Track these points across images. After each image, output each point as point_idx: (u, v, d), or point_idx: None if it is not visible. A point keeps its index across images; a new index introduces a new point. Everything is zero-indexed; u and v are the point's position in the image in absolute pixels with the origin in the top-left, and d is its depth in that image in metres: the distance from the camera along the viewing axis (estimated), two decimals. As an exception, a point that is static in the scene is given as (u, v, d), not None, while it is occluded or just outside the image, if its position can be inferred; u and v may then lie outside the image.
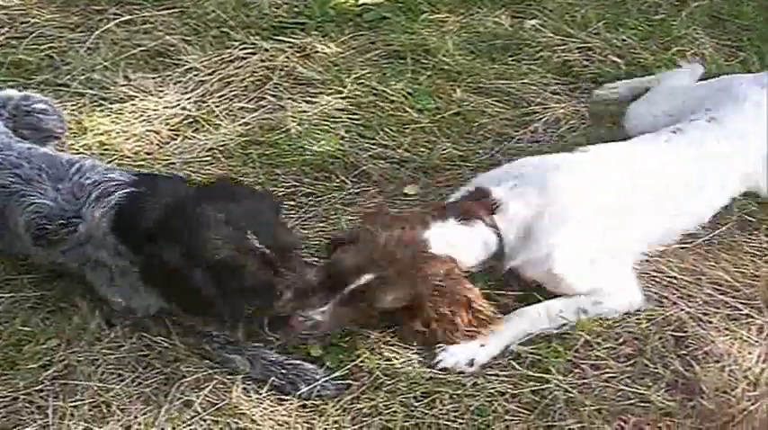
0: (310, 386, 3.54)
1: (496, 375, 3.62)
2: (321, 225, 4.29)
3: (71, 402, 3.51)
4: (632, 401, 3.53)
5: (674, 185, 4.02)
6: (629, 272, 3.93)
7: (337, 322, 3.64)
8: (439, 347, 3.68)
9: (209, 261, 3.34)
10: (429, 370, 3.64)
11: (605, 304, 3.79)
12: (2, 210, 3.77)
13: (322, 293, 3.58)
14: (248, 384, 3.60)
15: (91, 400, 3.53)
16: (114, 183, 3.63)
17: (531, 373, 3.61)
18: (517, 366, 3.64)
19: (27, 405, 3.51)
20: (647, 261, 4.08)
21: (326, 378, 3.58)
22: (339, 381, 3.59)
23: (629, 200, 3.89)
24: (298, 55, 5.36)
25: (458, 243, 3.71)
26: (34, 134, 4.28)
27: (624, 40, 5.52)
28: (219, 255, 3.34)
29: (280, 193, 4.41)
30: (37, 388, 3.56)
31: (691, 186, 4.07)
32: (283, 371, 3.59)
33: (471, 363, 3.63)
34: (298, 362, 3.63)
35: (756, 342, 3.75)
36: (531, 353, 3.69)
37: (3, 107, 4.31)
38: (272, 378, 3.58)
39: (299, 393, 3.55)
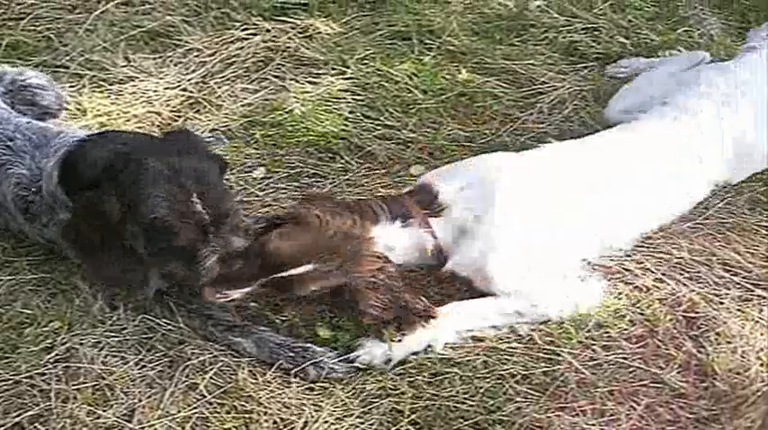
0: (319, 368, 3.50)
1: (507, 357, 3.57)
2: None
3: (74, 385, 3.47)
4: (644, 382, 3.49)
5: (624, 182, 3.91)
6: (570, 276, 3.82)
7: (250, 298, 3.61)
8: (357, 342, 3.60)
9: (145, 217, 3.24)
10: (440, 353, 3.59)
11: (539, 309, 3.70)
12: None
13: (247, 269, 3.43)
14: (254, 366, 3.55)
15: (94, 383, 3.48)
16: (74, 139, 3.56)
17: (542, 355, 3.57)
18: (528, 347, 3.60)
19: (29, 388, 3.46)
20: (655, 242, 4.04)
21: (335, 360, 3.53)
22: (347, 363, 3.54)
23: (576, 201, 3.79)
24: (300, 35, 5.31)
25: (396, 245, 3.62)
26: (31, 110, 4.24)
27: (630, 21, 5.48)
28: (158, 213, 3.24)
29: (284, 174, 4.39)
30: (39, 371, 3.51)
31: (644, 183, 3.95)
32: (291, 353, 3.54)
33: (388, 361, 3.55)
34: (306, 344, 3.58)
35: (769, 322, 3.72)
36: (543, 335, 3.64)
37: None
38: (280, 360, 3.53)
39: (307, 375, 3.50)
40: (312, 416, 3.39)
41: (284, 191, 4.33)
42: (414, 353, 3.58)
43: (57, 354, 3.57)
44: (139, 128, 4.60)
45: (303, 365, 3.51)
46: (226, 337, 3.62)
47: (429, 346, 3.60)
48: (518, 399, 3.43)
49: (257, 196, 4.30)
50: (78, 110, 4.72)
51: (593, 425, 3.37)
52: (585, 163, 3.91)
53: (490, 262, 3.64)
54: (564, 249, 3.80)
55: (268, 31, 5.31)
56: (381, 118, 4.74)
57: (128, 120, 4.65)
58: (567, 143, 4.10)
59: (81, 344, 3.60)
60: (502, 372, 3.52)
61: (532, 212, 3.71)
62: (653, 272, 3.89)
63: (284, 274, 3.43)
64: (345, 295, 3.51)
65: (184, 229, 3.26)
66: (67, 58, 5.03)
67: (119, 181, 3.27)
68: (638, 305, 3.77)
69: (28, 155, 3.65)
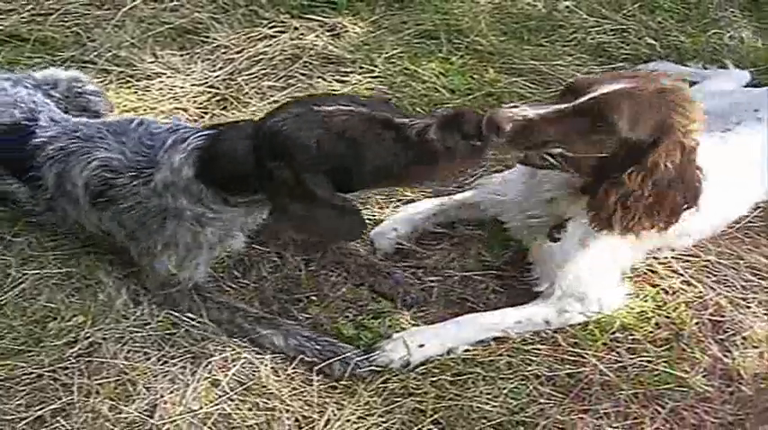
0: (344, 364, 3.49)
1: (531, 358, 3.56)
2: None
3: (96, 380, 3.46)
4: (669, 386, 3.47)
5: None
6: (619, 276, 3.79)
7: (558, 135, 3.17)
8: (377, 343, 3.57)
9: (337, 135, 3.16)
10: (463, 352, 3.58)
11: (568, 316, 3.67)
12: (60, 175, 3.72)
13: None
14: (277, 364, 3.54)
15: (116, 378, 3.48)
16: (188, 130, 3.56)
17: (566, 356, 3.56)
18: (552, 349, 3.59)
19: (51, 382, 3.45)
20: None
21: (360, 358, 3.52)
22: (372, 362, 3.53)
23: None
24: (328, 34, 5.31)
25: None
26: (82, 115, 4.21)
27: (660, 23, 5.48)
28: (341, 125, 3.16)
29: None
30: (62, 365, 3.51)
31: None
32: (318, 346, 3.54)
33: (407, 364, 3.52)
34: (332, 339, 3.58)
35: (796, 327, 3.69)
36: (567, 336, 3.63)
37: (53, 88, 4.26)
38: (305, 353, 3.54)
39: (333, 371, 3.51)
40: (334, 415, 3.38)
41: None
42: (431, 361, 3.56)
43: (80, 349, 3.56)
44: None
45: (330, 360, 3.50)
46: (254, 329, 3.61)
47: (450, 352, 3.59)
48: (541, 401, 3.42)
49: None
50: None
51: (617, 428, 3.36)
52: None
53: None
54: (615, 256, 3.71)
55: (296, 28, 5.31)
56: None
57: (155, 116, 4.63)
58: None
59: (104, 339, 3.59)
60: (525, 373, 3.50)
61: None
62: (680, 274, 3.87)
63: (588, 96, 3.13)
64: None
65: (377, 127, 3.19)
66: (95, 53, 5.03)
67: (277, 153, 3.22)
68: (663, 308, 3.75)
69: (109, 140, 3.66)
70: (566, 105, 3.15)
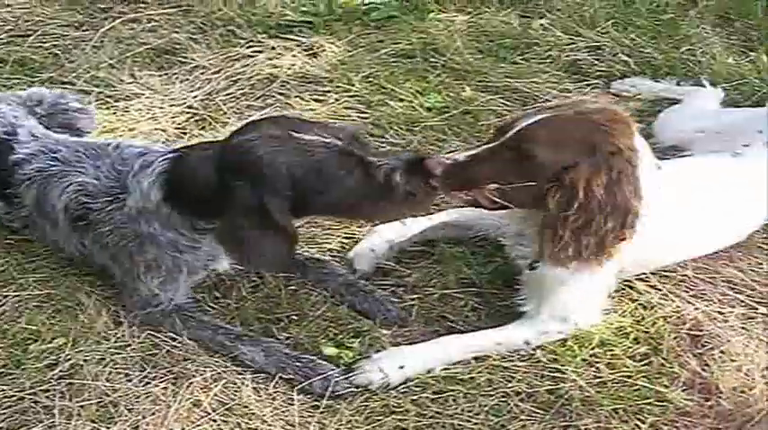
0: (325, 382, 3.49)
1: (511, 375, 3.57)
2: (333, 224, 4.23)
3: (78, 402, 3.45)
4: (649, 400, 3.47)
5: (679, 212, 3.71)
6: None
7: (480, 176, 3.29)
8: (357, 364, 3.58)
9: (310, 165, 3.23)
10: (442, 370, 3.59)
11: (551, 334, 3.68)
12: (38, 196, 3.75)
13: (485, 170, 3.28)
14: (258, 383, 3.54)
15: (98, 400, 3.46)
16: (157, 154, 3.57)
17: (546, 373, 3.57)
18: (532, 365, 3.60)
19: (33, 405, 3.43)
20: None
21: (341, 378, 3.52)
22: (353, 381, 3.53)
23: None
24: (305, 53, 5.35)
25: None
26: (65, 132, 4.23)
27: (633, 39, 5.52)
28: (316, 156, 3.23)
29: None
30: (43, 387, 3.49)
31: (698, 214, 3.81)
32: (298, 364, 3.55)
33: (387, 385, 3.53)
34: (313, 357, 3.59)
35: (773, 341, 3.72)
36: (546, 353, 3.64)
37: (37, 105, 4.29)
38: (286, 370, 3.54)
39: (314, 389, 3.50)
40: (316, 434, 3.40)
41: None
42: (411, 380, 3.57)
43: (60, 371, 3.55)
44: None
45: (312, 379, 3.51)
46: (235, 346, 3.62)
47: (429, 370, 3.60)
48: (522, 417, 3.42)
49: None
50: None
51: (598, 443, 3.38)
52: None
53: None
54: (605, 281, 3.72)
55: (273, 48, 5.35)
56: (386, 135, 4.75)
57: (134, 137, 4.65)
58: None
59: (85, 360, 3.58)
60: (506, 390, 3.51)
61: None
62: (657, 289, 3.89)
63: (514, 131, 3.24)
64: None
65: (341, 158, 3.26)
66: (74, 74, 5.06)
67: (244, 171, 3.25)
68: (642, 323, 3.76)
69: (86, 164, 3.69)
70: (492, 144, 3.30)
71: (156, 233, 3.55)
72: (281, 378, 3.54)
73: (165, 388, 3.51)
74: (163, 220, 3.52)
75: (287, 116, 3.64)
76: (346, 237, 4.12)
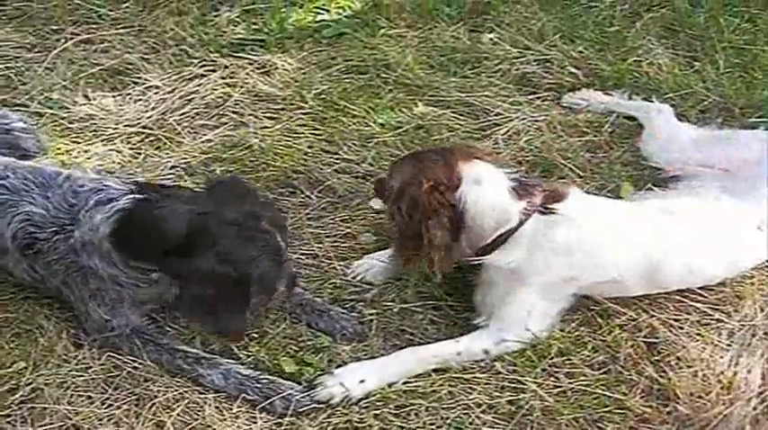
0: (286, 401, 3.51)
1: (472, 387, 3.60)
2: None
3: (40, 426, 3.44)
4: (609, 408, 3.53)
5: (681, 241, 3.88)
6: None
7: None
8: (318, 379, 3.61)
9: (242, 274, 3.44)
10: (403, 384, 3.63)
11: (510, 342, 3.73)
12: None
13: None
14: (221, 402, 3.55)
15: (60, 424, 3.46)
16: (113, 190, 3.61)
17: (506, 384, 3.61)
18: (492, 377, 3.64)
19: (-6, 430, 3.43)
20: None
21: (302, 395, 3.54)
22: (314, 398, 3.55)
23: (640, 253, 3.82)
24: (258, 71, 5.37)
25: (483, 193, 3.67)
26: (11, 153, 4.23)
27: (581, 52, 5.57)
28: (259, 268, 3.47)
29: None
30: (4, 413, 3.48)
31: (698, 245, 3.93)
32: (258, 384, 3.56)
33: (348, 399, 3.56)
34: (272, 377, 3.60)
35: (728, 346, 3.76)
36: (506, 364, 3.68)
37: None
38: (246, 392, 3.56)
39: (275, 409, 3.51)
40: (280, 452, 3.41)
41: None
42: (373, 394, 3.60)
43: (21, 395, 3.53)
44: (100, 166, 4.59)
45: (271, 399, 3.52)
46: (194, 369, 3.62)
47: (390, 384, 3.63)
48: (484, 429, 3.46)
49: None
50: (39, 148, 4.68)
51: (560, 452, 3.42)
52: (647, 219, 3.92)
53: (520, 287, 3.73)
54: (550, 293, 3.80)
55: (226, 67, 5.37)
56: (340, 152, 4.78)
57: (89, 158, 4.66)
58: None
59: (46, 384, 3.57)
60: (467, 402, 3.54)
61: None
62: (613, 298, 3.93)
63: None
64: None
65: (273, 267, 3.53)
66: (27, 96, 5.04)
67: (216, 247, 3.42)
68: (599, 332, 3.81)
69: (35, 194, 3.69)
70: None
71: (96, 267, 3.59)
72: (243, 399, 3.56)
73: (127, 409, 3.51)
74: (103, 255, 3.56)
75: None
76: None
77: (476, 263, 3.77)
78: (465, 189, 3.64)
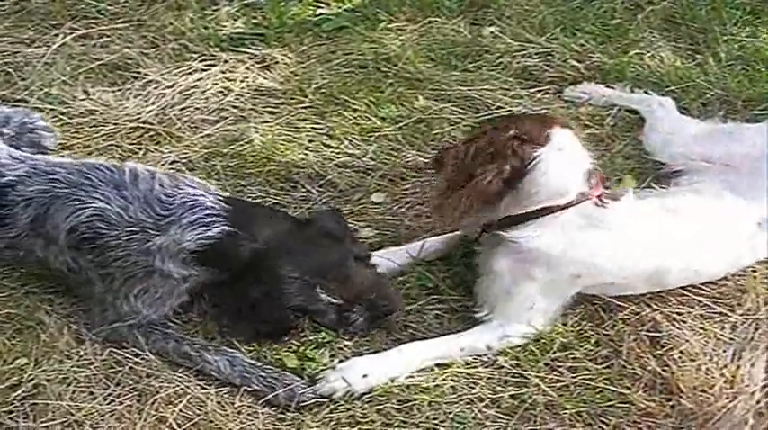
0: (290, 393, 3.52)
1: (475, 381, 3.60)
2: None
3: (42, 422, 3.44)
4: (612, 402, 3.53)
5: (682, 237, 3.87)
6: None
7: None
8: (320, 374, 3.61)
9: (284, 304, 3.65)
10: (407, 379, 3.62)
11: (513, 337, 3.74)
12: (36, 215, 3.75)
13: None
14: (223, 397, 3.55)
15: (62, 420, 3.45)
16: (207, 211, 3.66)
17: (509, 378, 3.61)
18: (495, 371, 3.64)
19: (-4, 427, 3.43)
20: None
21: (306, 389, 3.54)
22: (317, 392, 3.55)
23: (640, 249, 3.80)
24: (258, 66, 5.34)
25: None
26: (32, 150, 4.29)
27: (582, 45, 5.55)
28: (292, 303, 3.64)
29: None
30: (6, 409, 3.48)
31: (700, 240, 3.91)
32: (263, 374, 3.57)
33: (351, 394, 3.56)
34: (277, 369, 3.61)
35: (731, 339, 3.76)
36: (509, 358, 3.68)
37: (4, 125, 4.34)
38: (251, 380, 3.56)
39: (279, 401, 3.52)
40: (282, 446, 3.41)
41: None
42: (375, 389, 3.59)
43: (23, 391, 3.53)
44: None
45: (277, 391, 3.52)
46: (201, 355, 3.63)
47: (393, 379, 3.62)
48: (487, 423, 3.46)
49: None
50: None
51: (562, 447, 3.42)
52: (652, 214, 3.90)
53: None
54: (551, 288, 3.79)
55: (226, 62, 5.34)
56: (341, 146, 4.77)
57: (89, 153, 4.63)
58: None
59: (48, 380, 3.56)
60: (470, 397, 3.54)
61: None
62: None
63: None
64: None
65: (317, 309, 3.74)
66: (26, 92, 5.02)
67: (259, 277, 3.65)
68: (602, 326, 3.81)
69: (105, 191, 3.69)
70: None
71: (169, 270, 3.64)
72: (245, 390, 3.56)
73: (129, 405, 3.51)
74: (177, 259, 3.64)
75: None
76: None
77: (485, 243, 3.86)
78: (545, 151, 3.62)
